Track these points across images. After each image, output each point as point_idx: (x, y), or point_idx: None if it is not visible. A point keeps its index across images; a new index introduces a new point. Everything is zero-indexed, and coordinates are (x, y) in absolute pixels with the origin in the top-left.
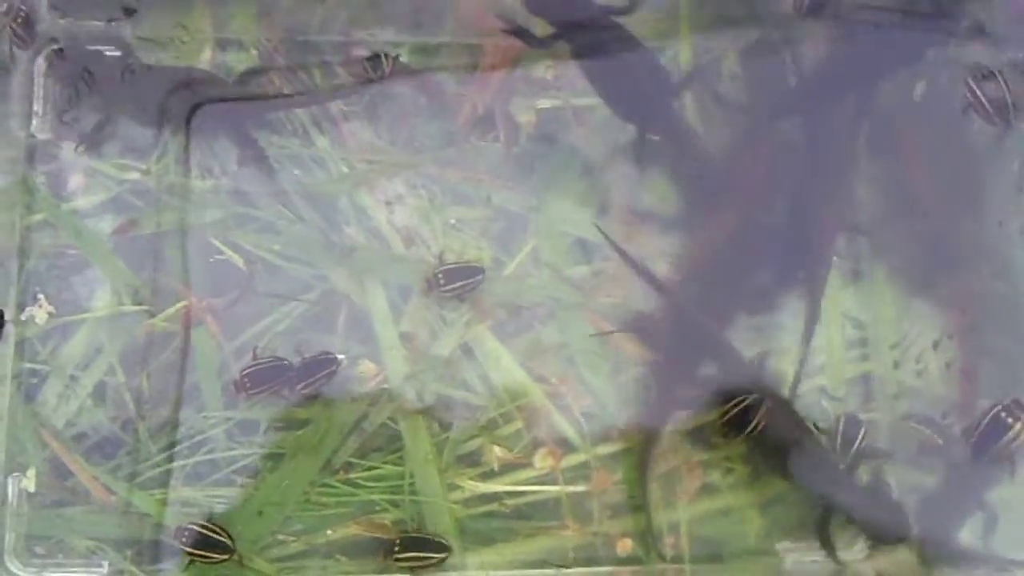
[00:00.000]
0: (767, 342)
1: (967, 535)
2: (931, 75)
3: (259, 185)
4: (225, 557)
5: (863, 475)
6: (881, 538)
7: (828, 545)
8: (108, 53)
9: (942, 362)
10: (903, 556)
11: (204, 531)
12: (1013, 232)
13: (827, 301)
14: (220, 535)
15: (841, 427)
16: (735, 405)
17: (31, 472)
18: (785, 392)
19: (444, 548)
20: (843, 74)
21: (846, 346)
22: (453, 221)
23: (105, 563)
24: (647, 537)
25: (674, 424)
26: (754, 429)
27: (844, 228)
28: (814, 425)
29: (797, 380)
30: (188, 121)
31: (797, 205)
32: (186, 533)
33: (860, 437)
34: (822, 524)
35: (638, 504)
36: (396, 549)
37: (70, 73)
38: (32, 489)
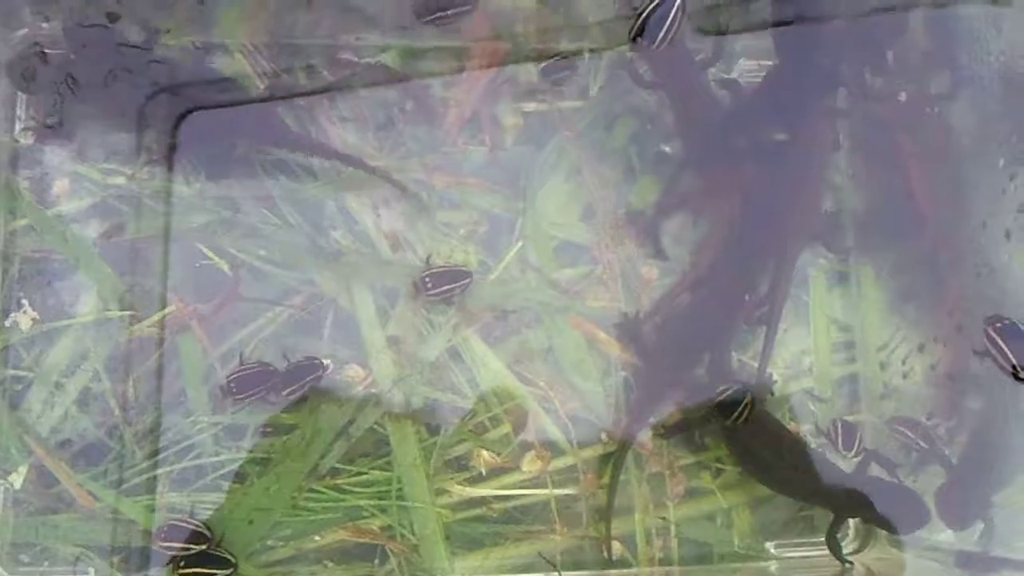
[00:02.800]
0: (755, 349)
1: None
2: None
3: (245, 189)
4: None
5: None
6: (900, 528)
7: (836, 549)
8: (91, 58)
9: (927, 364)
10: (891, 553)
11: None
12: (997, 233)
13: (814, 304)
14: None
15: (840, 432)
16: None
17: (22, 468)
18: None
19: (228, 564)
20: (810, 77)
21: (833, 348)
22: (464, 228)
23: (91, 570)
24: (604, 541)
25: (653, 427)
26: (738, 418)
27: (810, 236)
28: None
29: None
30: (173, 125)
31: (766, 212)
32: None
33: (858, 441)
34: (832, 528)
35: (625, 507)
36: (181, 564)
37: (53, 78)
38: (18, 486)
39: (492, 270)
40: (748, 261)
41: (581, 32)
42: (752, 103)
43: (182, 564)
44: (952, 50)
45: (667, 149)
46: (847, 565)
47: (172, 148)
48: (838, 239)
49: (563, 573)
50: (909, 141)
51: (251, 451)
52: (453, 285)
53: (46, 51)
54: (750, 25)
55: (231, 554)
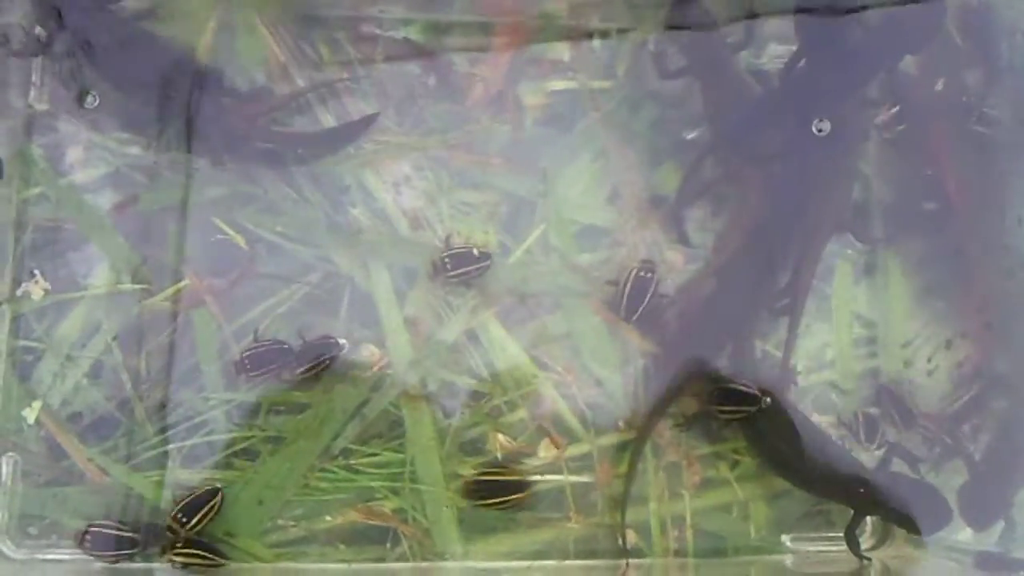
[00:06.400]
0: (777, 339)
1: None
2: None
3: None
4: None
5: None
6: (921, 527)
7: (854, 544)
8: (109, 24)
9: (953, 361)
10: (906, 550)
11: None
12: None
13: (838, 296)
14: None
15: (861, 424)
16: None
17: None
18: (788, 391)
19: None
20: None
21: (855, 342)
22: (485, 209)
23: None
24: (618, 530)
25: (672, 416)
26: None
27: (837, 226)
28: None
29: (788, 381)
30: (190, 96)
31: (792, 200)
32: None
33: (879, 434)
34: (851, 524)
35: (640, 496)
36: (178, 546)
37: (70, 44)
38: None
39: (512, 252)
40: (773, 250)
41: (610, 10)
42: (781, 90)
43: (179, 545)
44: (990, 40)
45: (693, 134)
46: (865, 562)
47: (190, 118)
48: (866, 229)
49: (576, 561)
50: (943, 132)
51: (264, 429)
52: (472, 267)
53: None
54: (781, 9)
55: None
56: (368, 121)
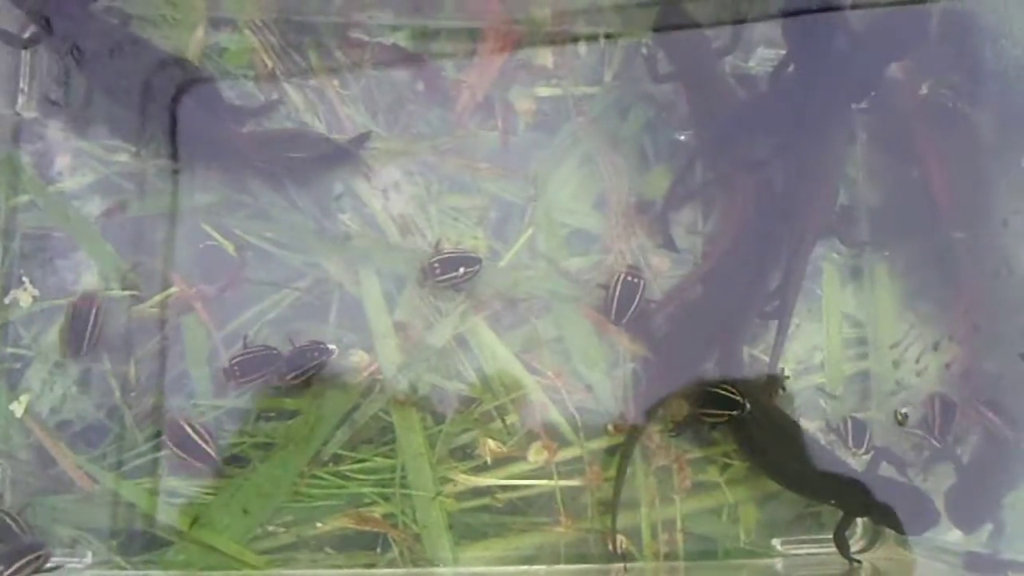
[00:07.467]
0: (766, 343)
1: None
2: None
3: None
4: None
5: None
6: (910, 528)
7: (844, 547)
8: (96, 30)
9: (941, 362)
10: (896, 552)
11: None
12: (1018, 231)
13: (826, 299)
14: None
15: (850, 429)
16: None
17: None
18: (774, 391)
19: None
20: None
21: (845, 344)
22: (474, 214)
23: (89, 553)
24: (609, 534)
25: (662, 422)
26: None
27: (824, 230)
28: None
29: (776, 384)
30: (177, 102)
31: (780, 204)
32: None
33: (868, 438)
34: (840, 526)
35: (631, 500)
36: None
37: (58, 50)
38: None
39: (502, 257)
40: (761, 254)
41: (597, 16)
42: (768, 94)
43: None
44: (975, 44)
45: (681, 138)
46: (855, 564)
47: (177, 125)
48: (852, 233)
49: (566, 566)
50: (928, 135)
51: (253, 435)
52: (461, 271)
53: (50, 22)
54: (768, 14)
55: None
56: (360, 141)
